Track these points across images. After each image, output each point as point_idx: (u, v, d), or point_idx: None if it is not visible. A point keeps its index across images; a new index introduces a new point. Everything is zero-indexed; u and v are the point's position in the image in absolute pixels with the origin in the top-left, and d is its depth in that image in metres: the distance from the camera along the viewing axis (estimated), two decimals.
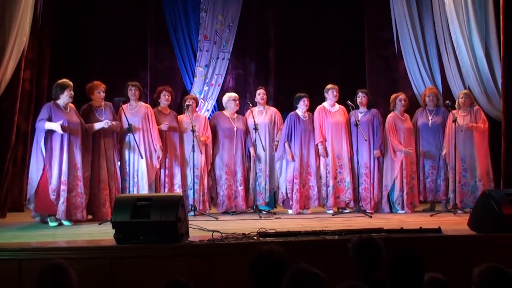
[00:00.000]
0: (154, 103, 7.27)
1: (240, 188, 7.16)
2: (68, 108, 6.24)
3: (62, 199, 6.02)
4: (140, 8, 9.07)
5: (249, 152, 7.20)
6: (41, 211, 6.11)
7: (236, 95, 7.48)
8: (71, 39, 8.58)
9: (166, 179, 6.85)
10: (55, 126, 6.01)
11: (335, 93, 7.23)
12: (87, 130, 6.34)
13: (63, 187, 6.03)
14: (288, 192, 7.06)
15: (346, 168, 7.11)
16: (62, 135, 6.05)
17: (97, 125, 6.38)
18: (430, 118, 7.26)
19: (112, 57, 8.92)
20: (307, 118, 7.21)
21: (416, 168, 7.16)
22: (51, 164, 6.04)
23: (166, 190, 6.79)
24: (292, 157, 7.02)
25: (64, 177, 6.04)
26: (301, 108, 7.20)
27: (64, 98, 6.17)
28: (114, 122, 6.44)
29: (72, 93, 6.22)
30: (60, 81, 6.24)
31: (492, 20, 7.17)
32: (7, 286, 4.22)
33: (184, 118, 7.10)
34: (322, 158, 7.11)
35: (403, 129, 7.14)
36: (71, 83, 6.24)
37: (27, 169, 7.31)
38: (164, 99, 7.04)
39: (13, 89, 6.59)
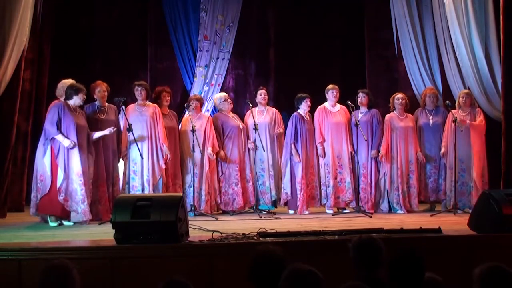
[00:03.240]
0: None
1: (249, 185, 7.17)
2: (77, 110, 6.27)
3: (86, 200, 6.02)
4: (140, 8, 9.06)
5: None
6: (44, 211, 6.08)
7: (226, 94, 7.56)
8: (71, 39, 8.58)
9: (168, 179, 6.84)
10: (67, 143, 6.01)
11: (335, 93, 7.23)
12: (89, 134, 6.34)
13: (84, 188, 6.02)
14: (297, 192, 6.99)
15: (346, 168, 7.10)
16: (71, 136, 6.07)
17: (98, 134, 6.34)
18: (430, 118, 7.25)
19: (112, 57, 8.91)
20: (308, 118, 7.21)
21: (416, 168, 7.13)
22: (57, 165, 6.01)
23: (168, 190, 6.78)
24: (299, 158, 7.02)
25: (80, 179, 6.03)
26: (303, 109, 7.18)
27: (76, 101, 6.20)
28: (113, 130, 6.43)
29: (85, 97, 6.28)
30: (74, 83, 6.27)
31: (492, 21, 7.16)
32: (7, 286, 4.22)
33: (188, 118, 7.11)
34: (321, 158, 7.12)
35: (399, 128, 7.11)
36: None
37: (27, 169, 7.36)
38: (165, 100, 7.04)
39: (13, 89, 6.59)
